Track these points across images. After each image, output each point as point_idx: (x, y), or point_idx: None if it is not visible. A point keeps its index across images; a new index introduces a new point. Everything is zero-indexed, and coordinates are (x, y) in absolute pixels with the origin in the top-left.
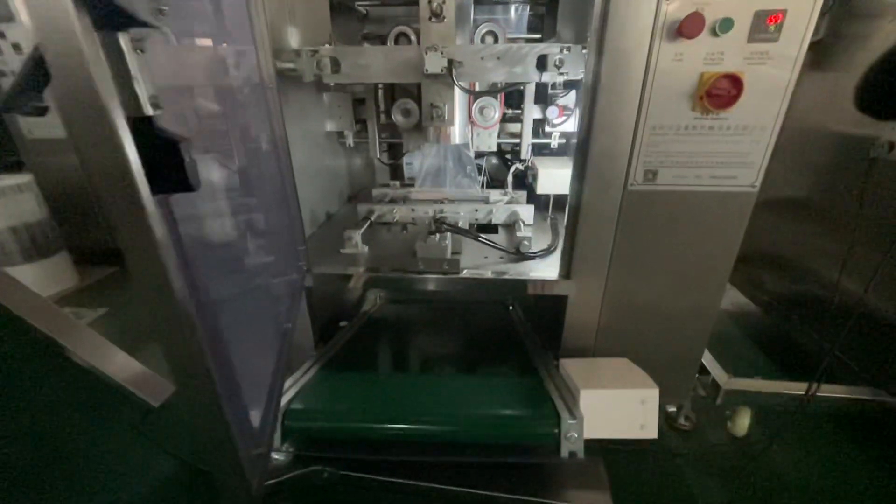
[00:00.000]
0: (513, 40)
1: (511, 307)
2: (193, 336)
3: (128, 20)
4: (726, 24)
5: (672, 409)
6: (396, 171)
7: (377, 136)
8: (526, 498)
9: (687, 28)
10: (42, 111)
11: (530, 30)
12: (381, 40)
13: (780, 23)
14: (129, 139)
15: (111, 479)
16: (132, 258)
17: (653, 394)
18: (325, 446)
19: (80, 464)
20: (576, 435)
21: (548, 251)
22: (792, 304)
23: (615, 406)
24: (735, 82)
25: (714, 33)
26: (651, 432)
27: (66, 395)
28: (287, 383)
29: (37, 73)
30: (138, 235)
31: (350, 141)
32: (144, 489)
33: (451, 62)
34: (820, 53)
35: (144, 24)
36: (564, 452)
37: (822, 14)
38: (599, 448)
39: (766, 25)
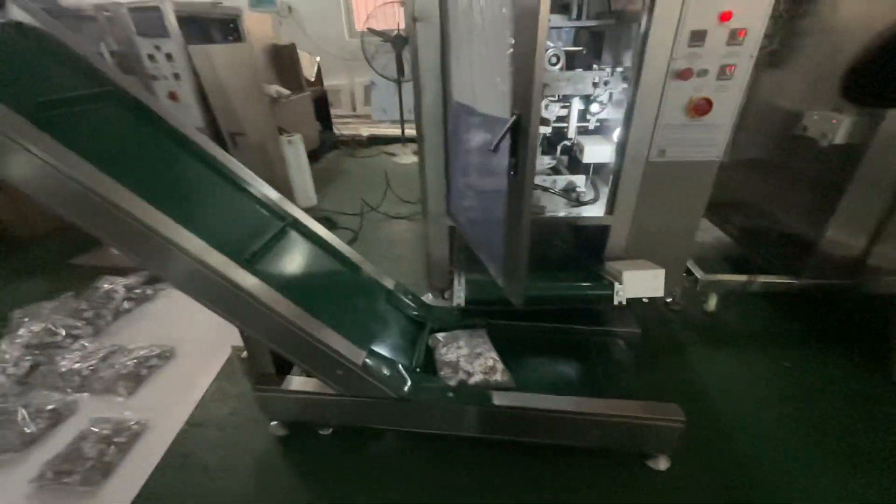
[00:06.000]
0: (567, 52)
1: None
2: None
3: None
4: (703, 72)
5: (669, 299)
6: None
7: None
8: (595, 328)
9: (683, 75)
10: None
11: (575, 43)
12: None
13: (733, 70)
14: None
15: (378, 323)
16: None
17: (661, 272)
18: (483, 306)
19: (364, 311)
20: (622, 292)
21: (594, 200)
22: (745, 231)
23: (641, 279)
24: (709, 102)
25: (698, 76)
26: (660, 293)
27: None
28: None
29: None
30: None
31: None
32: (392, 332)
33: (543, 85)
34: (775, 58)
35: None
36: (616, 302)
37: (775, 33)
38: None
39: (726, 72)
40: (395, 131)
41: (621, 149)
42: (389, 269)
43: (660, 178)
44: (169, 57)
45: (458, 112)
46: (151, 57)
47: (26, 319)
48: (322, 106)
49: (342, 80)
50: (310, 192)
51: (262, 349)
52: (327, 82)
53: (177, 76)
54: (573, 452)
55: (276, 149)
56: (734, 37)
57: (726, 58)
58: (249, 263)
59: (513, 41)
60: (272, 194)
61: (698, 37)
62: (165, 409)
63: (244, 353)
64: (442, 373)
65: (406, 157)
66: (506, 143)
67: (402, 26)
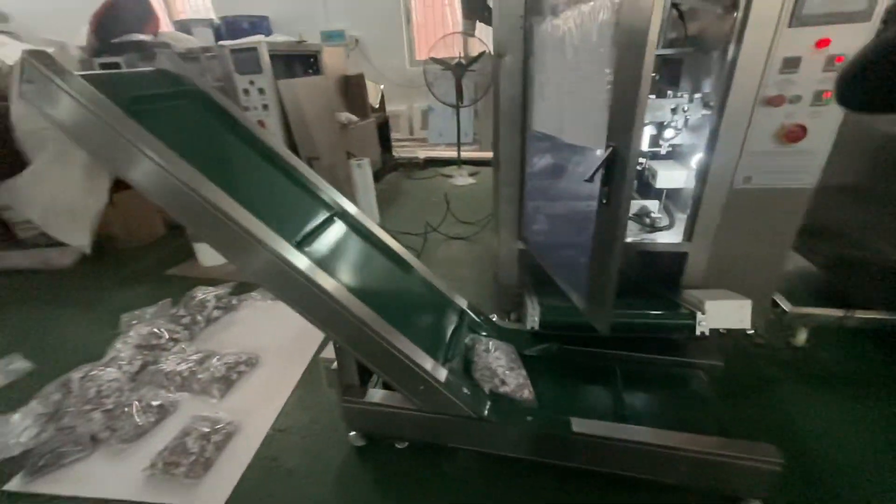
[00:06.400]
0: None
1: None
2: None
3: None
4: (796, 98)
5: (750, 331)
6: None
7: None
8: (675, 358)
9: (774, 101)
10: None
11: None
12: None
13: (830, 96)
14: None
15: (452, 341)
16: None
17: (748, 303)
18: (556, 330)
19: (439, 327)
20: (704, 322)
21: (669, 226)
22: (836, 261)
23: (726, 310)
24: (803, 129)
25: (791, 102)
26: (746, 325)
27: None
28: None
29: None
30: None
31: None
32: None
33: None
34: None
35: None
36: (698, 332)
37: None
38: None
39: (822, 98)
40: (450, 154)
41: (702, 175)
42: (454, 288)
43: (744, 206)
44: (261, 91)
45: (537, 141)
46: (246, 91)
47: (134, 322)
48: (384, 131)
49: (401, 105)
50: (374, 212)
51: (349, 361)
52: (388, 108)
53: (265, 107)
54: (655, 488)
55: (345, 171)
56: (831, 63)
57: (822, 84)
58: (342, 275)
59: (611, 76)
60: (350, 208)
61: (791, 64)
62: (254, 413)
63: (334, 365)
64: (477, 375)
65: (462, 178)
66: (598, 172)
67: (463, 55)
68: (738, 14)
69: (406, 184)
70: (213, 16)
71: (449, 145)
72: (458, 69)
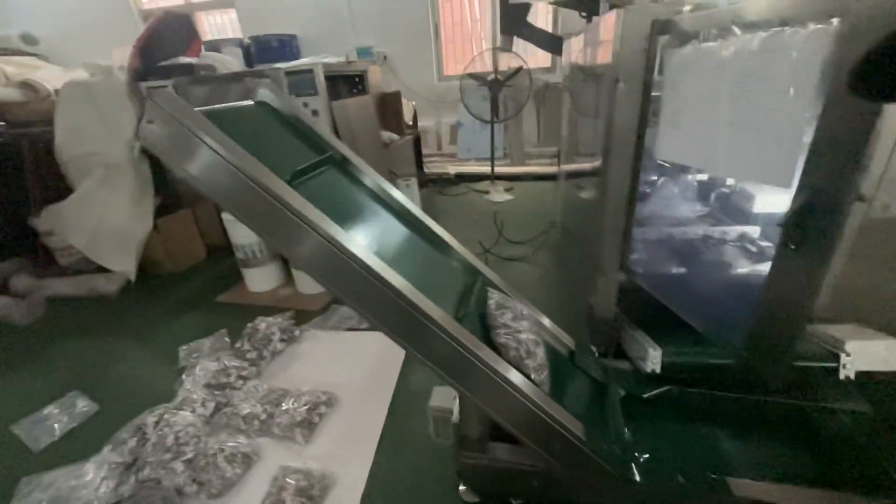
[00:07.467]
0: None
1: None
2: None
3: None
4: None
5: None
6: None
7: None
8: (815, 403)
9: None
10: None
11: None
12: None
13: None
14: None
15: (572, 387)
16: None
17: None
18: (673, 374)
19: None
20: (850, 364)
21: None
22: None
23: (872, 350)
24: None
25: None
26: (893, 367)
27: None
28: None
29: None
30: None
31: None
32: (582, 394)
33: None
34: None
35: None
36: (842, 375)
37: None
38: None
39: None
40: (480, 169)
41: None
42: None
43: (880, 237)
44: (315, 112)
45: (664, 172)
46: None
47: (194, 356)
48: (416, 147)
49: (430, 121)
50: None
51: (473, 414)
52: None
53: None
54: None
55: None
56: None
57: None
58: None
59: (816, 109)
60: (458, 247)
61: None
62: (345, 461)
63: (455, 417)
64: (501, 340)
65: (498, 195)
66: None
67: (495, 70)
68: None
69: (440, 200)
70: (240, 35)
71: (479, 160)
72: (495, 85)
